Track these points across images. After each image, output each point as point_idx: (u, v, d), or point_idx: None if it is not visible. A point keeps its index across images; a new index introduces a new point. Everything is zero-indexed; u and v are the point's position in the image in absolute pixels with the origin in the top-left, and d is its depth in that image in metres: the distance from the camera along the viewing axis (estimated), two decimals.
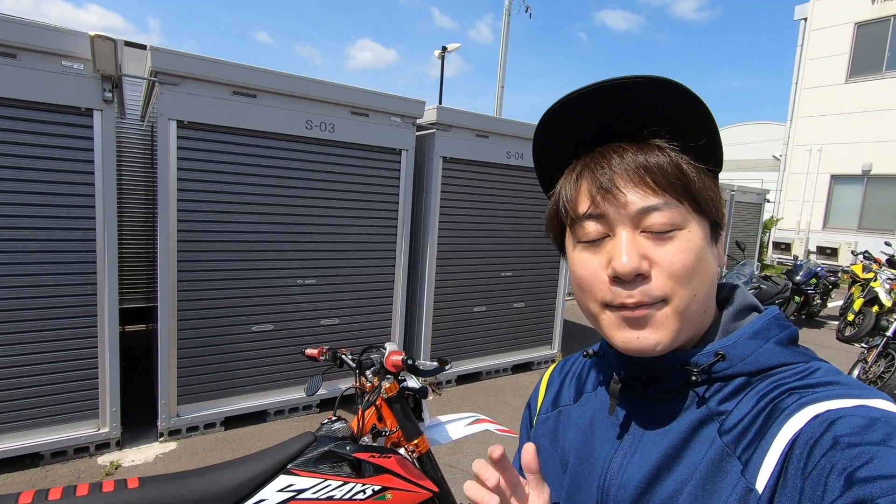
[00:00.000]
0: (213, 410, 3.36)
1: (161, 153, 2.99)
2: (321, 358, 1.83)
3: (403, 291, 4.10)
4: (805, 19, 14.10)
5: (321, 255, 3.66)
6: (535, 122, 0.58)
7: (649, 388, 0.58)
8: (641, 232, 0.52)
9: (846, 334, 6.80)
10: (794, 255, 10.04)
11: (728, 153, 23.28)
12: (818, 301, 7.81)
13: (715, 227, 0.56)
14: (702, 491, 0.49)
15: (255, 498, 1.33)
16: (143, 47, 3.06)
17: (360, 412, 1.58)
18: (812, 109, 13.90)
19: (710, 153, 0.55)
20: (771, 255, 13.90)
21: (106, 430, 2.98)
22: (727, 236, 10.49)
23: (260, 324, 3.48)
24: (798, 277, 7.31)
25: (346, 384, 3.87)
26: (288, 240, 3.50)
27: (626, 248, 0.51)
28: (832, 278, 7.95)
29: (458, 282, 4.41)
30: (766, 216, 12.87)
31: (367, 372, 1.65)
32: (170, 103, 2.96)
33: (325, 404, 3.86)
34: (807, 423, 0.44)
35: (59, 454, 2.90)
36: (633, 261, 0.51)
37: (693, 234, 0.52)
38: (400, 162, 3.91)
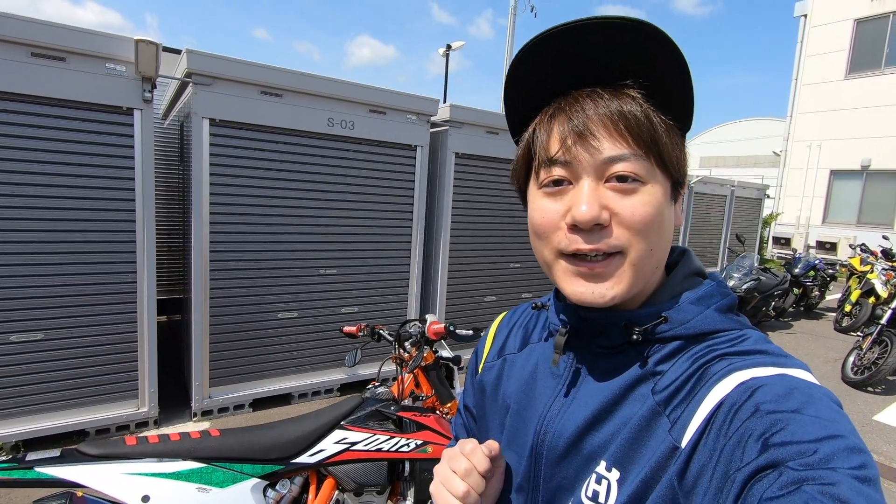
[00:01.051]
0: (242, 392, 3.56)
1: (195, 149, 3.18)
2: (359, 334, 2.03)
3: (418, 281, 4.29)
4: (805, 16, 14.25)
5: (341, 247, 3.85)
6: None
7: (592, 342, 0.60)
8: (605, 183, 0.52)
9: (843, 325, 6.99)
10: (793, 249, 10.23)
11: (729, 149, 23.44)
12: (816, 293, 8.00)
13: (676, 187, 0.57)
14: (631, 444, 0.52)
15: (316, 448, 1.53)
16: (178, 52, 3.24)
17: (399, 378, 1.78)
18: (812, 105, 14.06)
19: (681, 110, 0.55)
20: (771, 250, 14.08)
21: (145, 409, 3.18)
22: (727, 231, 10.67)
23: (285, 311, 3.67)
24: (797, 270, 7.50)
25: (366, 370, 4.07)
26: (311, 231, 3.70)
27: (587, 197, 0.51)
28: (830, 271, 8.14)
29: (469, 272, 4.61)
30: (766, 212, 13.04)
31: (406, 343, 1.84)
32: (203, 102, 3.15)
33: (345, 389, 4.06)
34: (733, 390, 0.47)
35: (103, 431, 3.10)
36: (594, 210, 0.51)
37: (655, 189, 0.53)
38: (415, 158, 4.10)
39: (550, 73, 0.55)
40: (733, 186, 10.39)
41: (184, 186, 3.81)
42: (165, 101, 4.52)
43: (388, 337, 1.92)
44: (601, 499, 0.53)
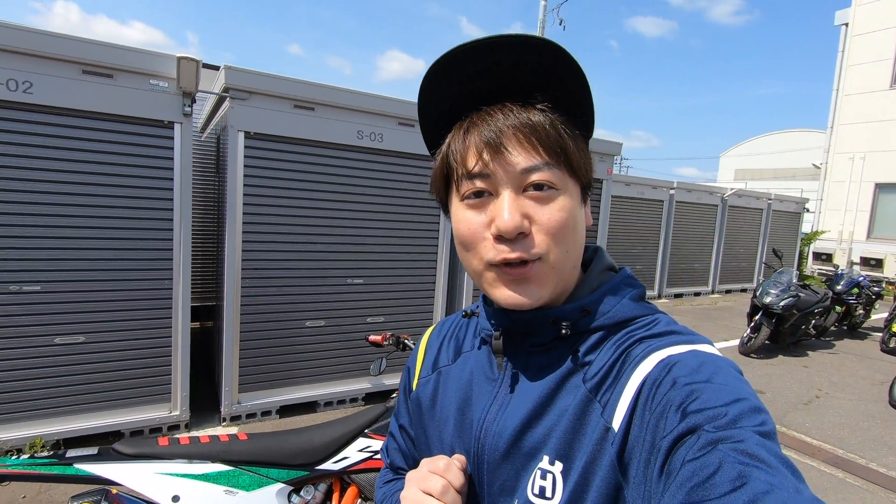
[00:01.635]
0: (270, 399, 3.62)
1: (231, 161, 3.30)
2: (385, 343, 2.04)
3: (444, 292, 4.30)
4: (846, 25, 13.81)
5: (369, 257, 3.90)
6: None
7: (523, 342, 0.62)
8: (523, 192, 0.56)
9: (890, 345, 6.63)
10: (834, 265, 9.79)
11: (766, 162, 22.74)
12: (861, 312, 7.60)
13: (585, 190, 0.62)
14: (570, 434, 0.55)
15: (340, 455, 1.54)
16: (217, 68, 3.38)
17: None
18: (854, 116, 13.54)
19: (584, 120, 0.61)
20: (811, 266, 13.52)
21: (177, 412, 3.27)
22: (763, 245, 10.30)
23: (313, 320, 3.73)
24: (839, 287, 7.16)
25: (390, 380, 4.08)
26: (339, 241, 3.76)
27: (508, 208, 0.55)
28: (876, 289, 7.74)
29: None
30: (805, 226, 12.55)
31: None
32: (239, 116, 3.27)
33: (370, 398, 4.08)
34: (653, 368, 0.51)
35: (137, 433, 3.19)
36: (516, 219, 0.54)
37: (568, 195, 0.57)
38: None
39: (462, 90, 0.59)
40: (770, 199, 10.06)
41: (219, 197, 3.95)
42: (204, 115, 4.71)
43: (413, 346, 1.93)
44: (548, 493, 0.54)
